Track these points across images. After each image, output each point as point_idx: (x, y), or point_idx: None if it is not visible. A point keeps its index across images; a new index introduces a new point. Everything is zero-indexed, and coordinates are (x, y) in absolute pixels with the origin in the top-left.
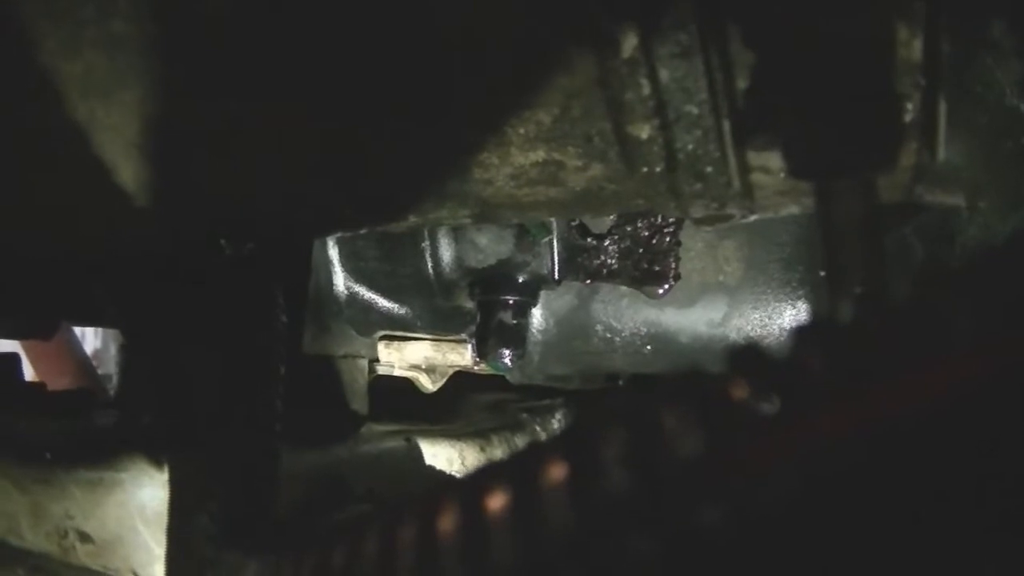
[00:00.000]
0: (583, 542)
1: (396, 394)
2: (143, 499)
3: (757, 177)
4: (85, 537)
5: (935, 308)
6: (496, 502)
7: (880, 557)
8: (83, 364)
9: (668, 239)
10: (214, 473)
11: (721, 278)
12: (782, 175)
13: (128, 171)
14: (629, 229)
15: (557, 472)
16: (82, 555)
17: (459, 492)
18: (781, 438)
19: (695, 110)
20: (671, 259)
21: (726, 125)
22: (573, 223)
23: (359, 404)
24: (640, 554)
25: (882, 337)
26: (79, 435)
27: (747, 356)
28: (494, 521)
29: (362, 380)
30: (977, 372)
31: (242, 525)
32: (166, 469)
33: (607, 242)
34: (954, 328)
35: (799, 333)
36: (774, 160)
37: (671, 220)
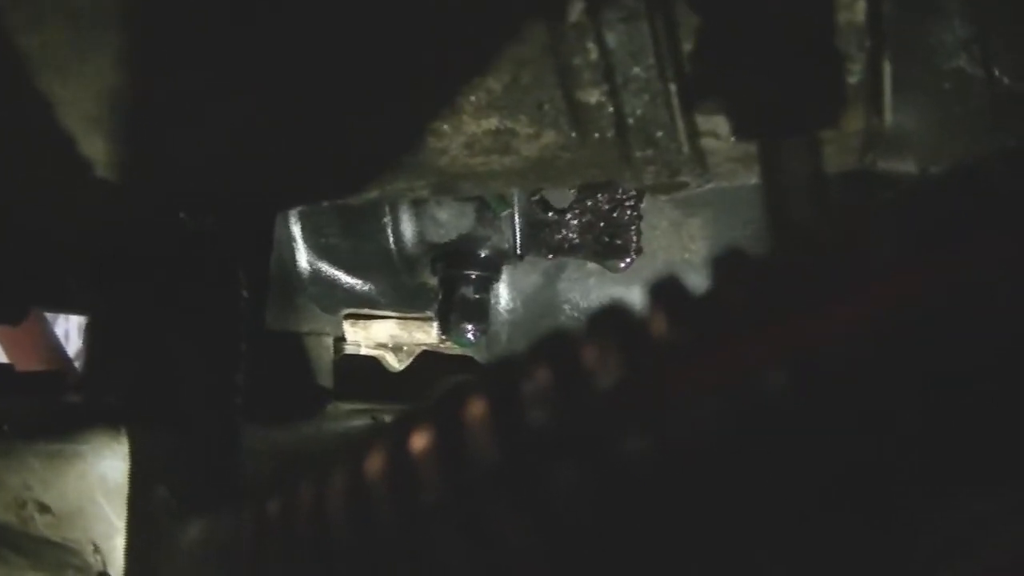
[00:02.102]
0: (507, 476)
1: (363, 373)
2: (104, 471)
3: (707, 142)
4: (44, 508)
5: (855, 236)
6: (421, 442)
7: (802, 483)
8: (55, 350)
9: (629, 212)
10: (174, 447)
11: (687, 256)
12: (732, 139)
13: (88, 145)
14: (590, 203)
15: (479, 409)
16: (41, 526)
17: (386, 435)
18: (698, 366)
19: (643, 74)
20: (632, 232)
21: (673, 88)
22: (534, 197)
23: (324, 382)
24: (564, 485)
25: (802, 265)
26: (41, 410)
27: (667, 288)
28: (419, 460)
29: (327, 358)
30: (896, 298)
31: (203, 498)
32: (126, 442)
33: (568, 216)
34: (873, 255)
35: (717, 264)
36: (723, 125)
37: (631, 193)
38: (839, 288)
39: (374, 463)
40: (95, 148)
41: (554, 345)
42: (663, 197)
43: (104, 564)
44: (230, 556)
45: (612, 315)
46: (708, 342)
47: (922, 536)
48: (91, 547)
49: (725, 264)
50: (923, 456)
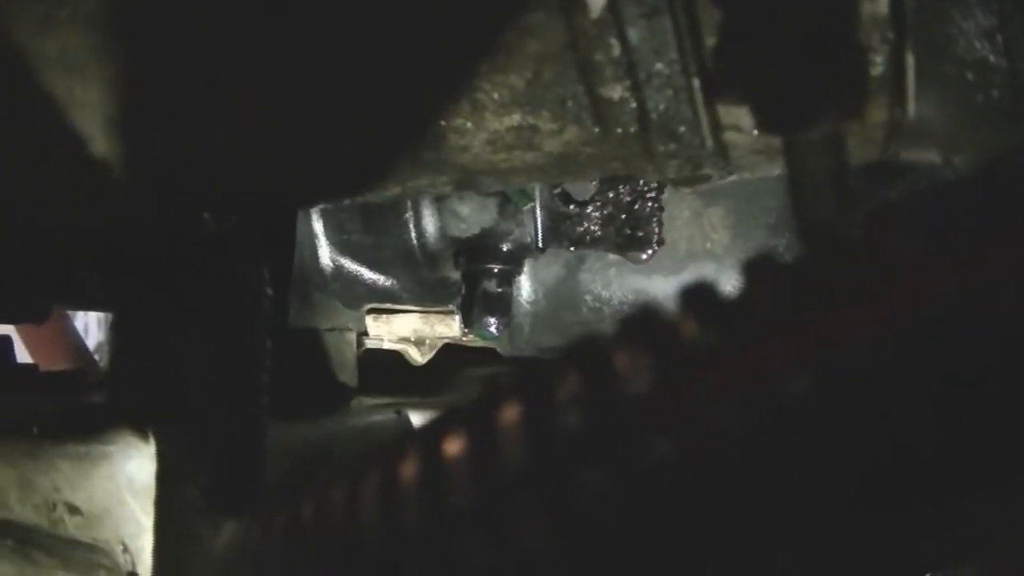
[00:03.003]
0: (538, 479)
1: (387, 367)
2: (131, 471)
3: (730, 136)
4: (74, 509)
5: (876, 238)
6: (454, 446)
7: (828, 484)
8: (78, 349)
9: (650, 204)
10: (201, 445)
11: (708, 246)
12: (755, 133)
13: (108, 147)
14: (611, 195)
15: (512, 414)
16: (71, 527)
17: (419, 440)
18: (724, 370)
19: (665, 69)
20: (654, 224)
21: (696, 83)
22: (555, 190)
23: (348, 377)
24: (594, 489)
25: (826, 268)
26: (67, 411)
27: (697, 294)
28: (452, 464)
29: (350, 353)
30: (920, 300)
31: (230, 496)
32: (153, 442)
33: (590, 209)
34: (897, 258)
35: (747, 269)
36: (746, 118)
37: (653, 185)
38: (866, 293)
39: (406, 467)
40: (114, 148)
41: (585, 350)
42: (686, 190)
43: (133, 564)
44: (263, 559)
45: (642, 320)
46: (736, 348)
47: (940, 534)
48: (120, 547)
49: (755, 269)
50: (948, 457)
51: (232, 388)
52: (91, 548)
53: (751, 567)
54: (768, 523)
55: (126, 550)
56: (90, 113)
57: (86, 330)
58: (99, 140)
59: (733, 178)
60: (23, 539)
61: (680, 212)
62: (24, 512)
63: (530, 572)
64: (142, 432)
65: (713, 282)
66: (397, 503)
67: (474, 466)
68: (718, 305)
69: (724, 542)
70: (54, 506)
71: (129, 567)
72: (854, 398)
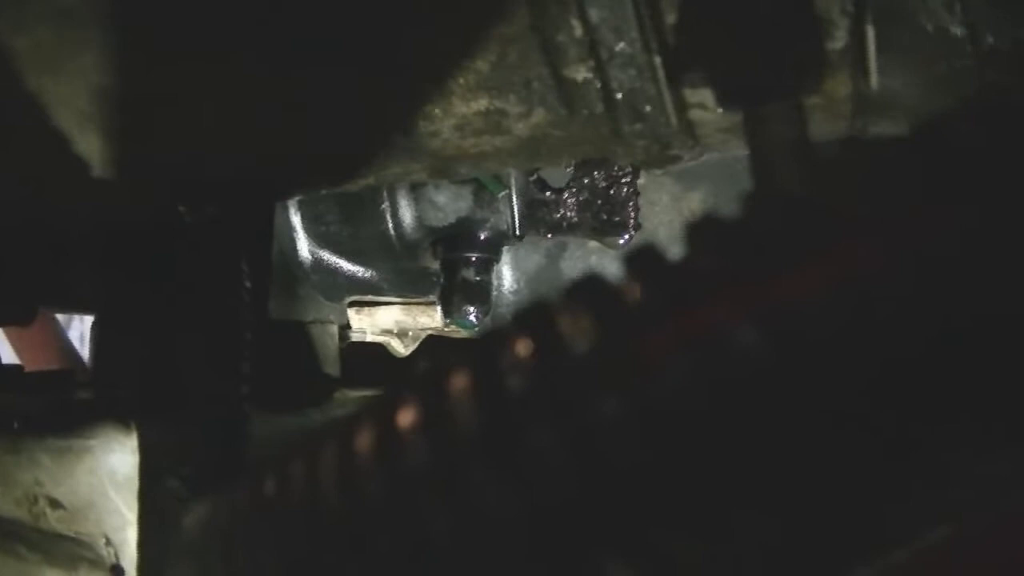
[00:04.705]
0: (489, 442)
1: (370, 360)
2: (113, 465)
3: (695, 114)
4: (56, 503)
5: (823, 199)
6: (405, 413)
7: (775, 444)
8: (68, 352)
9: (626, 189)
10: (183, 438)
11: None
12: (720, 111)
13: (83, 142)
14: (587, 181)
15: (462, 380)
16: (53, 521)
17: (372, 409)
18: (668, 329)
19: (627, 48)
20: (630, 209)
21: (658, 62)
22: (531, 177)
23: (331, 369)
24: (544, 448)
25: (770, 229)
26: (50, 407)
27: (641, 255)
28: (406, 432)
29: (333, 345)
30: (862, 258)
31: (212, 487)
32: (135, 435)
33: (566, 195)
34: (839, 217)
35: (690, 231)
36: (710, 96)
37: (627, 170)
38: (806, 251)
39: (361, 436)
40: (89, 144)
41: (533, 315)
42: (658, 172)
43: (117, 556)
44: (227, 533)
45: (589, 284)
46: (683, 305)
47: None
48: (103, 540)
49: (699, 231)
50: (895, 412)
51: (212, 379)
52: (74, 541)
53: (707, 525)
54: (722, 480)
55: (109, 543)
56: (66, 109)
57: (82, 339)
58: (76, 136)
59: (705, 158)
60: (5, 533)
61: (659, 197)
62: (6, 507)
63: (489, 534)
64: (124, 425)
65: (658, 245)
66: (353, 472)
67: (428, 432)
68: (663, 265)
69: (676, 500)
70: (36, 500)
71: (112, 559)
72: (801, 352)
